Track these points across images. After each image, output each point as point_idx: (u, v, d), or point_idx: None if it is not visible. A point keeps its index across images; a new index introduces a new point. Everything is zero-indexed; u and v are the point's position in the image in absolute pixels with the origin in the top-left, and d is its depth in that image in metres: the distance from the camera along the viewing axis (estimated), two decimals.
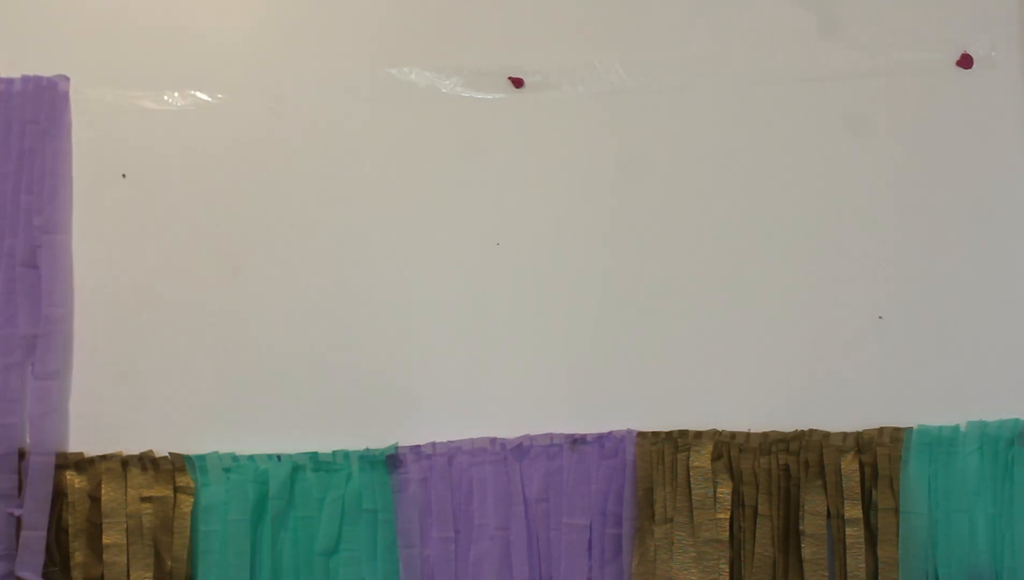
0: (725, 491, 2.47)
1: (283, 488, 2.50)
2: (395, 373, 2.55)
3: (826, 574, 2.44)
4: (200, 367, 2.55)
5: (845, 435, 2.48)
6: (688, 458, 2.49)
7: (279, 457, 2.53)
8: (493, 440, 2.52)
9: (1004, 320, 2.51)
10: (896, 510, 2.45)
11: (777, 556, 2.46)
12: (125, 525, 2.49)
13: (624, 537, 2.49)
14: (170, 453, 2.53)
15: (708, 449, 2.49)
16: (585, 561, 2.49)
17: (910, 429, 2.48)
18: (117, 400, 2.54)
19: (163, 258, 2.56)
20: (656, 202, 2.56)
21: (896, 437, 2.47)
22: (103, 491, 2.50)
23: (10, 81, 2.53)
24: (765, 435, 2.49)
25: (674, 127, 2.58)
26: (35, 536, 2.45)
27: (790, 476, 2.48)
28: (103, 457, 2.51)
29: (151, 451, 2.52)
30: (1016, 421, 2.47)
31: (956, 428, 2.47)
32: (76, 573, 2.48)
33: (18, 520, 2.46)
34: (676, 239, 2.56)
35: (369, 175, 2.58)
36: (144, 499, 2.50)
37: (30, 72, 2.55)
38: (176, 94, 2.57)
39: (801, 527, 2.45)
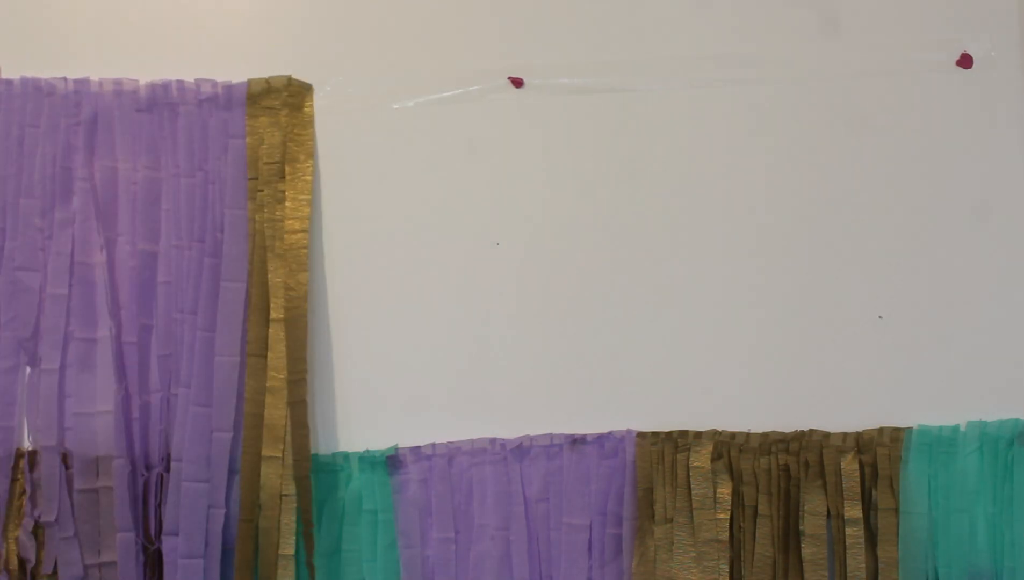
0: (725, 491, 2.47)
1: None
2: (395, 373, 2.55)
3: (826, 574, 2.44)
4: None
5: (845, 435, 2.48)
6: (688, 458, 2.49)
7: None
8: (493, 440, 2.52)
9: (1004, 320, 2.51)
10: (896, 510, 2.45)
11: (777, 556, 2.46)
12: None
13: (624, 537, 2.49)
14: None
15: (708, 449, 2.49)
16: (585, 561, 2.49)
17: (910, 429, 2.47)
18: None
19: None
20: (656, 202, 2.56)
21: (896, 437, 2.47)
22: None
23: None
24: (765, 435, 2.49)
25: (674, 127, 2.58)
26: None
27: (790, 476, 2.48)
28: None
29: None
30: (1016, 421, 2.46)
31: (956, 428, 2.47)
32: None
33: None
34: (676, 239, 2.56)
35: (369, 175, 2.58)
36: None
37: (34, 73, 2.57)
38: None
39: (801, 527, 2.45)
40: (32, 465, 2.49)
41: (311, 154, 2.55)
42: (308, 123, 2.56)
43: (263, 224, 2.52)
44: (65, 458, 2.48)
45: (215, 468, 2.47)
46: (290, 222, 2.53)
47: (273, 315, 2.50)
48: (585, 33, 2.60)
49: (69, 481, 2.47)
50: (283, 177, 2.55)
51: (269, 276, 2.51)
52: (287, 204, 2.54)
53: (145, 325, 2.51)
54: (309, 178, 2.54)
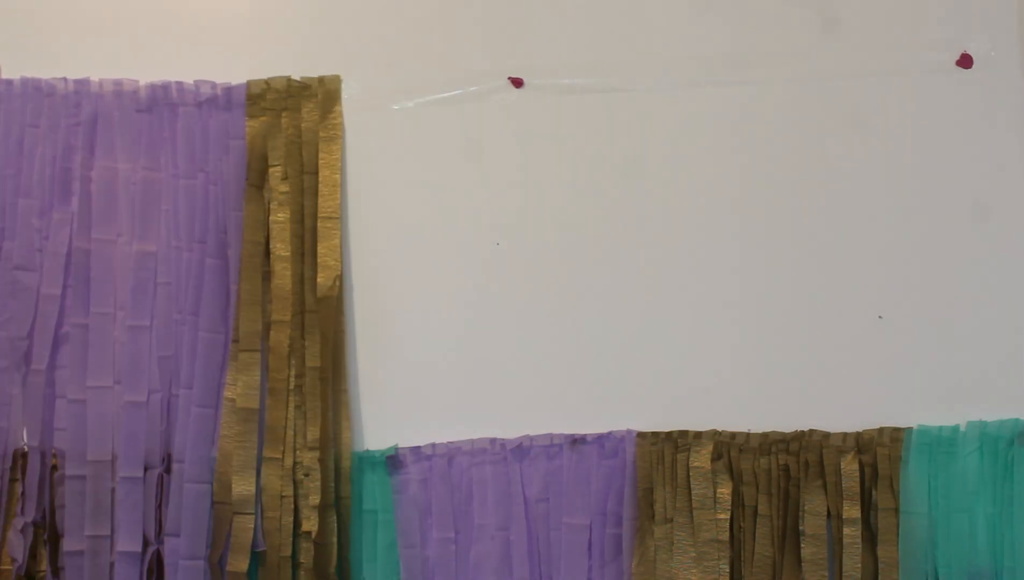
0: (725, 491, 2.47)
1: None
2: (395, 373, 2.55)
3: (826, 574, 2.44)
4: None
5: (845, 435, 2.48)
6: (688, 458, 2.49)
7: None
8: (493, 440, 2.52)
9: (1004, 320, 2.51)
10: (896, 510, 2.45)
11: (777, 556, 2.46)
12: None
13: (624, 537, 2.49)
14: None
15: (708, 449, 2.49)
16: (585, 561, 2.49)
17: (910, 429, 2.47)
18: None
19: None
20: (656, 202, 2.56)
21: (896, 437, 2.47)
22: None
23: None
24: (765, 435, 2.49)
25: (674, 127, 2.58)
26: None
27: (790, 476, 2.48)
28: None
29: None
30: (1016, 421, 2.46)
31: (956, 428, 2.47)
32: None
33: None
34: (676, 239, 2.56)
35: (369, 175, 2.58)
36: None
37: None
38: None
39: (801, 527, 2.45)
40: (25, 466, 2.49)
41: (334, 153, 2.55)
42: (332, 125, 2.56)
43: (262, 224, 2.53)
44: (55, 458, 2.48)
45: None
46: (313, 223, 2.54)
47: (276, 317, 2.51)
48: (585, 33, 2.60)
49: (60, 481, 2.47)
50: (285, 178, 2.55)
51: (276, 278, 2.51)
52: (320, 201, 2.54)
53: (144, 326, 2.51)
54: (338, 177, 2.55)
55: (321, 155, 2.55)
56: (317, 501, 2.45)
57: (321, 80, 2.57)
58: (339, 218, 2.53)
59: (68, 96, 2.55)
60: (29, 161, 2.54)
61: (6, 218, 2.53)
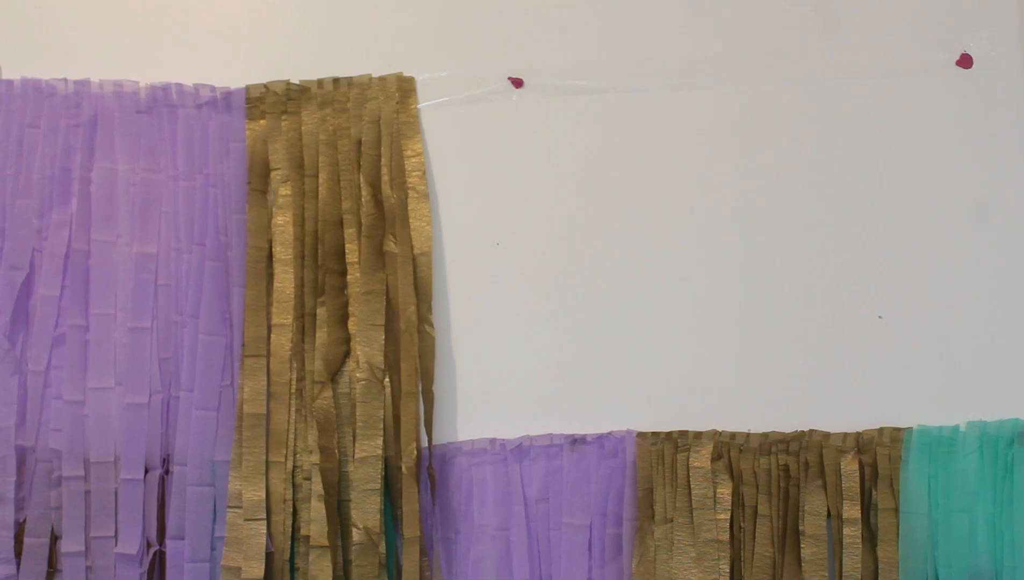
0: (725, 491, 2.47)
1: None
2: None
3: (825, 574, 2.44)
4: None
5: (845, 435, 2.48)
6: (688, 458, 2.49)
7: None
8: (493, 440, 2.52)
9: (1004, 320, 2.51)
10: (896, 510, 2.45)
11: (777, 556, 2.46)
12: None
13: (624, 537, 2.49)
14: None
15: (708, 449, 2.49)
16: (585, 561, 2.49)
17: (910, 429, 2.47)
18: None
19: None
20: (656, 202, 2.56)
21: (896, 437, 2.47)
22: None
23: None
24: (765, 435, 2.49)
25: (674, 127, 2.58)
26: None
27: (790, 476, 2.48)
28: None
29: None
30: (1016, 421, 2.46)
31: (956, 428, 2.47)
32: None
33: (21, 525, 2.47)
34: (676, 239, 2.56)
35: None
36: None
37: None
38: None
39: (801, 527, 2.45)
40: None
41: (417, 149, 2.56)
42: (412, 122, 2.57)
43: (266, 229, 2.53)
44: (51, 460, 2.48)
45: (222, 472, 2.48)
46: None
47: (278, 320, 2.51)
48: (585, 33, 2.60)
49: (57, 483, 2.47)
50: (286, 181, 2.55)
51: (277, 282, 2.51)
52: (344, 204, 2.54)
53: (144, 327, 2.51)
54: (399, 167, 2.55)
55: (404, 151, 2.55)
56: (319, 504, 2.45)
57: (399, 77, 2.57)
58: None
59: (68, 97, 2.55)
60: (29, 161, 2.53)
61: (6, 219, 2.52)
